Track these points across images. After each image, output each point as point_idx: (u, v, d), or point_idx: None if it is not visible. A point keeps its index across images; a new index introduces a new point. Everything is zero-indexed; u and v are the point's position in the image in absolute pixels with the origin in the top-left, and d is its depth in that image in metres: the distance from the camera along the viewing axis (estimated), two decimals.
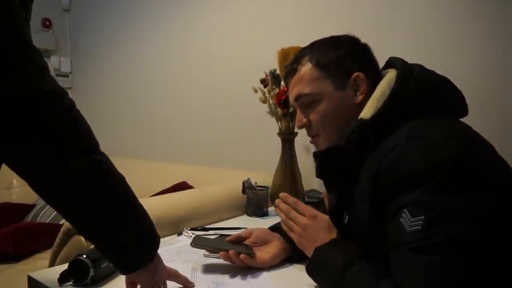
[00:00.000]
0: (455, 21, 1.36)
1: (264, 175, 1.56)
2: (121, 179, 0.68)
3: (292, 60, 0.88)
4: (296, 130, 1.45)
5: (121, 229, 0.66)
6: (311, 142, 0.90)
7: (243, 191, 1.45)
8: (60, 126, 0.60)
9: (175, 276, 0.80)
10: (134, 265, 0.70)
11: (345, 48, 0.82)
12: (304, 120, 0.87)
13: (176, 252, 1.03)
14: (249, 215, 1.45)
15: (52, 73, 2.90)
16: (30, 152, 0.59)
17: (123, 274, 0.73)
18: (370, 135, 0.73)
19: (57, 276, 0.82)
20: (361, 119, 0.75)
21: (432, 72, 0.78)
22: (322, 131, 0.85)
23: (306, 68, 0.83)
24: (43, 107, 0.58)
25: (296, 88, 0.85)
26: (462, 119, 0.76)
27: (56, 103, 0.60)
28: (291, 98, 0.88)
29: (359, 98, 0.80)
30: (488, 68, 1.30)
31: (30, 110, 0.57)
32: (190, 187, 1.79)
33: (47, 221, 2.04)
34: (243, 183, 1.45)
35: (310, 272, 0.80)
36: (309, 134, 0.89)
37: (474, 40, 1.33)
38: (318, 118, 0.84)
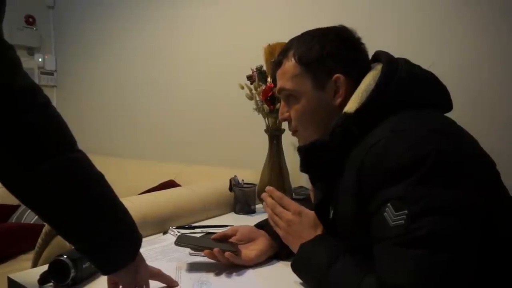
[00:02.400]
0: (442, 17, 1.36)
1: (252, 172, 1.55)
2: (100, 177, 0.66)
3: (280, 50, 0.86)
4: (280, 122, 1.45)
5: (99, 229, 0.64)
6: (292, 135, 0.89)
7: (230, 189, 1.44)
8: (34, 123, 0.58)
9: (159, 275, 0.78)
10: (115, 265, 0.68)
11: (330, 46, 0.79)
12: (286, 114, 0.86)
13: (161, 251, 1.01)
14: (236, 212, 1.44)
15: (36, 71, 2.88)
16: (2, 151, 0.57)
17: (104, 274, 0.72)
18: (354, 128, 0.72)
19: (38, 277, 0.80)
20: (345, 112, 0.74)
21: (418, 66, 0.78)
22: (299, 128, 0.85)
23: (290, 63, 0.82)
24: (16, 103, 0.56)
25: (280, 82, 0.85)
26: (446, 115, 0.76)
27: (29, 99, 0.58)
28: (276, 90, 0.88)
29: (338, 100, 0.79)
30: (474, 63, 1.31)
31: (2, 107, 0.55)
32: (178, 185, 1.77)
33: (31, 222, 2.00)
34: (230, 180, 1.44)
35: (295, 269, 0.80)
36: (289, 128, 0.89)
37: (460, 36, 1.33)
38: (295, 115, 0.84)
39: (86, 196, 0.62)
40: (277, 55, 0.87)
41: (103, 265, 0.69)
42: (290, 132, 0.90)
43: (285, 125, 1.44)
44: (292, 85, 0.82)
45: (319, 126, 0.80)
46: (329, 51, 0.79)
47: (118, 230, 0.66)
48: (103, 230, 0.64)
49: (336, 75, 0.78)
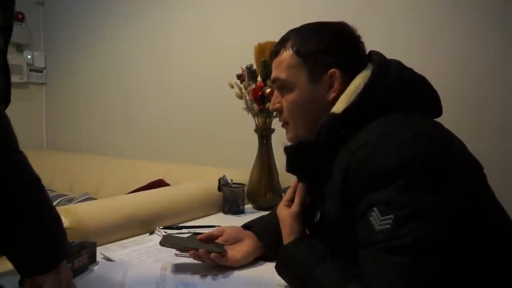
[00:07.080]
0: (431, 20, 1.37)
1: (241, 172, 1.54)
2: (35, 180, 0.65)
3: (279, 40, 0.85)
4: (270, 122, 1.45)
5: (21, 232, 0.63)
6: (282, 126, 0.88)
7: (219, 189, 1.43)
8: None
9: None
10: (33, 269, 0.67)
11: (329, 41, 0.78)
12: (278, 105, 0.85)
13: (146, 251, 1.00)
14: (225, 212, 1.42)
15: (25, 68, 2.84)
16: None
17: (23, 276, 0.71)
18: (341, 129, 0.71)
19: (19, 277, 0.78)
20: (332, 113, 0.73)
21: (410, 69, 0.77)
22: (290, 120, 0.84)
23: (287, 53, 0.81)
24: None
25: (275, 71, 0.84)
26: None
27: None
28: (271, 79, 0.87)
29: (331, 95, 0.78)
30: (462, 66, 1.31)
31: None
32: (166, 184, 1.75)
33: None
34: (219, 180, 1.43)
35: (279, 271, 0.79)
36: (279, 119, 0.87)
37: (448, 39, 1.33)
38: (287, 106, 0.82)
39: (12, 196, 0.61)
40: (275, 45, 0.85)
41: (20, 267, 0.67)
42: (280, 133, 0.88)
43: (274, 124, 1.44)
44: (287, 75, 0.81)
45: (310, 119, 0.79)
46: (328, 46, 0.78)
47: (39, 235, 0.65)
48: (25, 234, 0.63)
49: (332, 69, 0.77)
